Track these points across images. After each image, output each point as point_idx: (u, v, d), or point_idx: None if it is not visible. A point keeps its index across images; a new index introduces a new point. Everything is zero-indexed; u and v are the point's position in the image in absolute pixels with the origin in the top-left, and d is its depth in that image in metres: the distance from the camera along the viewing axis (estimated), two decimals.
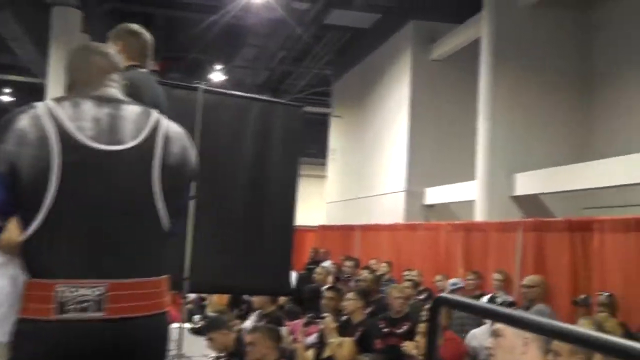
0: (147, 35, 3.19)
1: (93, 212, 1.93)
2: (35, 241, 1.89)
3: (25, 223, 1.91)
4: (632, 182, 7.64)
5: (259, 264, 4.47)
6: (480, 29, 10.17)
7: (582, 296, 6.41)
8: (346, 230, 14.32)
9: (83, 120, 1.96)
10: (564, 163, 8.84)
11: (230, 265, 4.34)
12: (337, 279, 9.82)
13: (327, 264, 12.65)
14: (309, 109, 19.38)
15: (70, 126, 1.93)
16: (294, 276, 9.08)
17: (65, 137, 1.91)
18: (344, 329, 6.00)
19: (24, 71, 17.84)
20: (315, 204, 19.48)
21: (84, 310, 1.87)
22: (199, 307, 8.25)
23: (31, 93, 20.40)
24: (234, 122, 4.52)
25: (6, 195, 1.90)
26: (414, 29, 12.95)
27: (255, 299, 7.13)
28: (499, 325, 2.63)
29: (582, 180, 8.28)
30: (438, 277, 9.03)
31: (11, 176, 1.88)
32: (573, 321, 6.09)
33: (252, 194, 4.49)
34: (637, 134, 9.22)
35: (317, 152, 19.49)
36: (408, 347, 5.73)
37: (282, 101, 5.00)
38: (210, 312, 7.81)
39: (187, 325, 6.47)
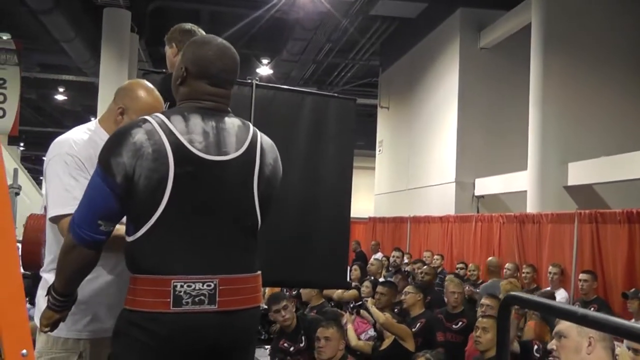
0: (202, 32, 3.19)
1: (203, 215, 2.09)
2: (147, 241, 2.04)
3: (136, 225, 2.06)
4: None
5: (315, 257, 4.47)
6: (530, 15, 9.98)
7: (633, 289, 6.28)
8: (397, 222, 14.26)
9: (193, 133, 2.09)
10: (618, 152, 8.61)
11: (286, 259, 4.35)
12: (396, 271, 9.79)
13: (378, 255, 12.65)
14: None
15: (182, 140, 2.06)
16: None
17: (179, 150, 2.05)
18: (402, 322, 6.00)
19: (76, 71, 18.23)
20: (364, 196, 19.46)
21: (200, 303, 2.04)
22: None
23: (83, 92, 20.90)
24: (288, 117, 4.51)
25: (117, 205, 2.05)
26: (462, 17, 12.77)
27: (304, 292, 7.18)
28: (562, 326, 2.58)
29: (638, 169, 8.06)
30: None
31: (125, 186, 2.02)
32: (626, 315, 5.98)
33: (307, 188, 4.49)
34: None
35: (365, 143, 19.41)
36: None
37: (335, 95, 4.95)
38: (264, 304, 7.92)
39: None
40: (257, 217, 2.20)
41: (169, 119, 2.10)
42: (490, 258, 8.58)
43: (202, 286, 2.04)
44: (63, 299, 2.17)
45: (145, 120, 2.08)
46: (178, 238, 2.05)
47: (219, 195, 2.11)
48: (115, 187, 2.01)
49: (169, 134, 2.05)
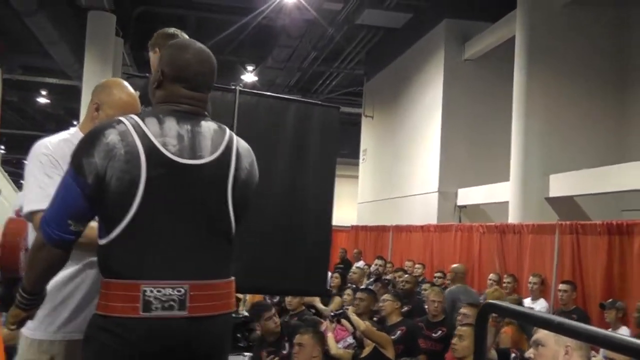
0: (185, 37, 3.18)
1: (175, 219, 2.05)
2: (118, 245, 2.01)
3: (107, 228, 2.02)
4: None
5: (295, 265, 4.48)
6: (514, 28, 10.06)
7: (610, 300, 6.34)
8: (379, 230, 14.29)
9: (167, 136, 2.07)
10: (599, 164, 8.70)
11: (267, 266, 4.35)
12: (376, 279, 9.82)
13: (360, 264, 12.66)
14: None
15: (156, 142, 2.04)
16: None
17: (152, 153, 2.02)
18: (381, 330, 6.01)
19: (59, 74, 18.11)
20: (347, 204, 19.48)
21: (170, 308, 2.00)
22: None
23: (66, 95, 20.77)
24: (271, 123, 4.54)
25: (87, 205, 2.01)
26: (447, 28, 12.85)
27: (291, 301, 7.15)
28: (540, 335, 2.59)
29: (618, 182, 8.15)
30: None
31: (96, 187, 1.99)
32: (604, 325, 6.05)
33: (290, 195, 4.51)
34: None
35: (349, 152, 19.46)
36: None
37: (319, 102, 4.99)
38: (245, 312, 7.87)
39: None
40: (231, 221, 2.16)
41: (143, 121, 2.07)
42: (455, 265, 8.65)
43: (172, 291, 2.00)
44: (31, 297, 2.14)
45: (120, 121, 2.05)
46: (149, 242, 2.02)
47: (193, 200, 2.08)
48: (86, 188, 1.98)
49: (143, 136, 2.03)
